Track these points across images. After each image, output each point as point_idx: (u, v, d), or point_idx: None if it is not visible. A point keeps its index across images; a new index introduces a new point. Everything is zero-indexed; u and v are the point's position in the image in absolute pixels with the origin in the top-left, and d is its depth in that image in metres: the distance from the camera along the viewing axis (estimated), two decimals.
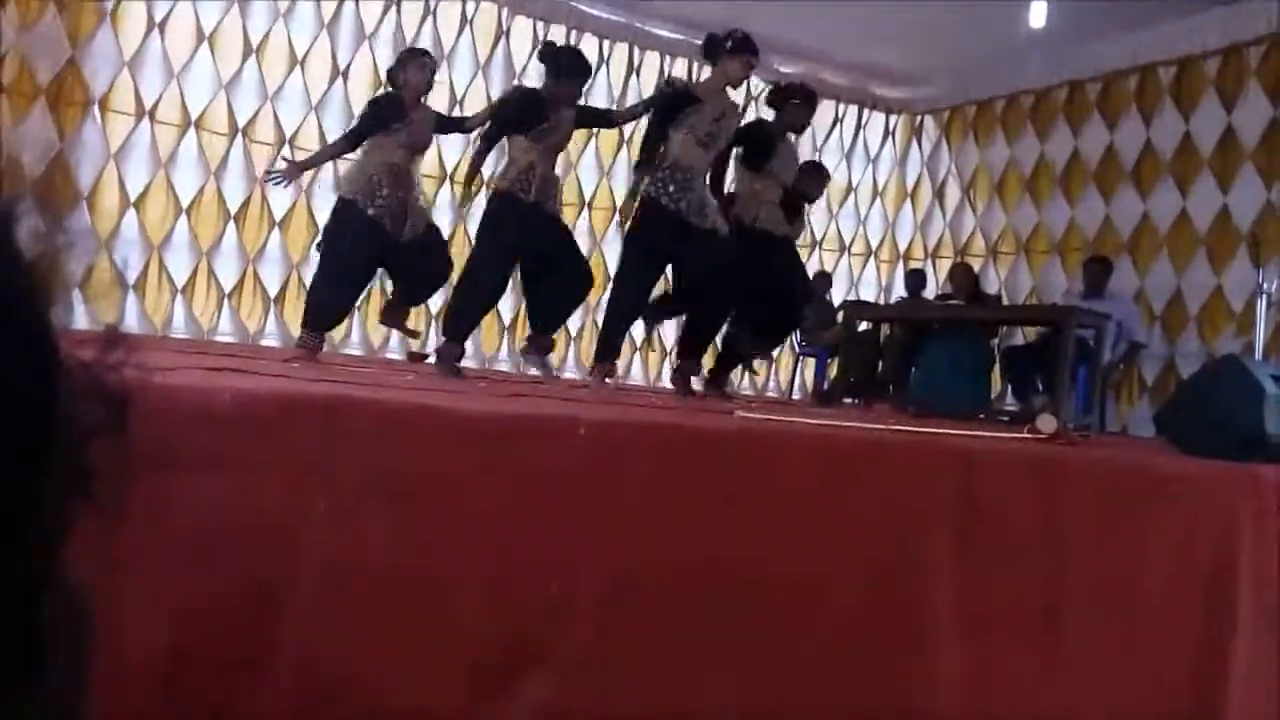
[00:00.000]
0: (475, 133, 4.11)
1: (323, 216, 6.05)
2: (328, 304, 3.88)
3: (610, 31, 6.88)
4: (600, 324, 4.00)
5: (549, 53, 3.82)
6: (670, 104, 3.72)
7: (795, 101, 4.26)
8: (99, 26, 5.46)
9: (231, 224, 5.87)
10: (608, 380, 3.80)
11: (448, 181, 6.32)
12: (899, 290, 7.61)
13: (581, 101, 3.91)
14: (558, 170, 3.99)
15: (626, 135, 6.62)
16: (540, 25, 6.68)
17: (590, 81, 3.98)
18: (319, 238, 4.15)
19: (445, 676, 1.26)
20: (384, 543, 1.23)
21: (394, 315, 4.26)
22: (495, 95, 6.48)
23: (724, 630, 1.48)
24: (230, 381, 1.43)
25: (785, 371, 7.30)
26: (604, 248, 6.68)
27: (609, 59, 6.90)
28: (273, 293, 5.98)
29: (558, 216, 3.82)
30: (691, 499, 1.49)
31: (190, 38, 5.72)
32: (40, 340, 0.39)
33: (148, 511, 0.92)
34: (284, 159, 4.41)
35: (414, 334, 4.68)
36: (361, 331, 6.14)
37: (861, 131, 7.94)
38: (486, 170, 4.15)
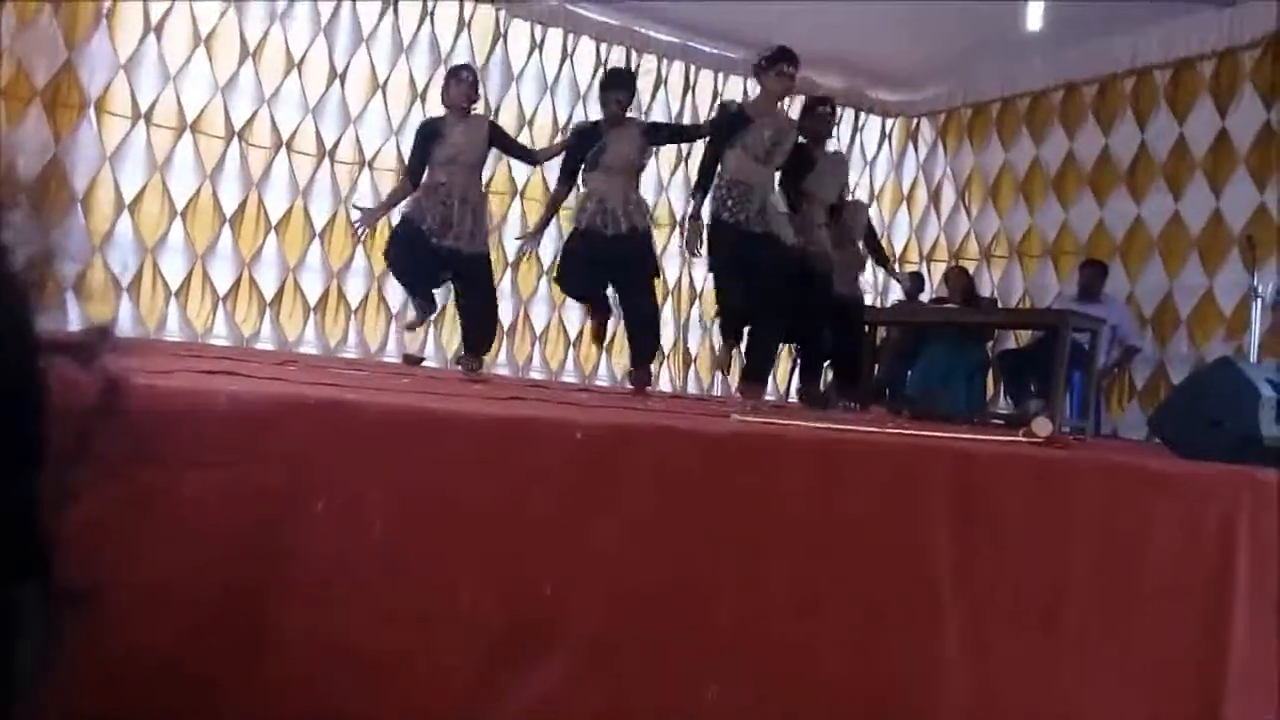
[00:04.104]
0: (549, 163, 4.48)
1: (319, 220, 6.09)
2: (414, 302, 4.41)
3: (606, 35, 6.88)
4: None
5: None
6: (725, 127, 3.84)
7: (817, 112, 4.48)
8: (95, 29, 5.46)
9: (227, 227, 5.86)
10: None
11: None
12: (895, 293, 7.62)
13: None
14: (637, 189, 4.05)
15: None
16: (537, 28, 6.68)
17: (631, 94, 4.06)
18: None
19: (440, 675, 1.26)
20: (380, 543, 1.23)
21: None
22: (492, 96, 6.49)
23: (721, 634, 1.48)
24: (226, 383, 1.42)
25: (782, 375, 7.30)
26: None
27: (605, 62, 6.90)
28: (268, 296, 5.97)
29: (623, 235, 3.87)
30: (688, 501, 1.49)
31: (187, 40, 5.72)
32: (22, 341, 0.39)
33: (145, 510, 0.92)
34: (355, 207, 4.69)
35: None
36: (359, 335, 6.13)
37: (858, 135, 7.95)
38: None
